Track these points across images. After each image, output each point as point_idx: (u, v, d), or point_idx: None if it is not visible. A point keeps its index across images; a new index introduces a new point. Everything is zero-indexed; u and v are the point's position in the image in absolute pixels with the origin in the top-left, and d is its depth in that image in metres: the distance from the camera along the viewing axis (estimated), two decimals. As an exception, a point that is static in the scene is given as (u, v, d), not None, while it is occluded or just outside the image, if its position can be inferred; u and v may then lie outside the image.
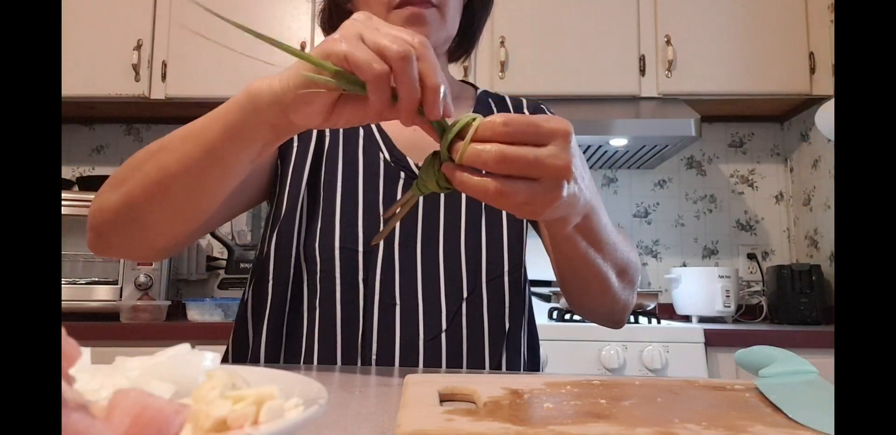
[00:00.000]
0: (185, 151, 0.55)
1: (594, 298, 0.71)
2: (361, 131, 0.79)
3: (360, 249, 0.73)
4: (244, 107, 0.51)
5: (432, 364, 0.72)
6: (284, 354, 0.74)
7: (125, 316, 1.74)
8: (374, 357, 0.71)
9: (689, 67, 1.98)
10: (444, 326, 0.73)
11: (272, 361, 0.74)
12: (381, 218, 0.75)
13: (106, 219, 0.62)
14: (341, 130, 0.78)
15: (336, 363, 0.71)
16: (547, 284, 1.98)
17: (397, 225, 0.75)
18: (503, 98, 0.89)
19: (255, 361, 0.74)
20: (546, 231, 0.60)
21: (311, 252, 0.74)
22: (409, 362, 0.71)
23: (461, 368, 0.72)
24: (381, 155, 0.78)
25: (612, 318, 0.75)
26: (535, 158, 0.44)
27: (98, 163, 2.36)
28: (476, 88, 0.90)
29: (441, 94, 0.45)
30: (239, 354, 0.76)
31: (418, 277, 0.74)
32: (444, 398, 0.43)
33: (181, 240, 0.66)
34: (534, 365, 0.83)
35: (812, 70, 1.97)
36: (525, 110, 0.88)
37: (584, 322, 1.78)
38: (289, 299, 0.74)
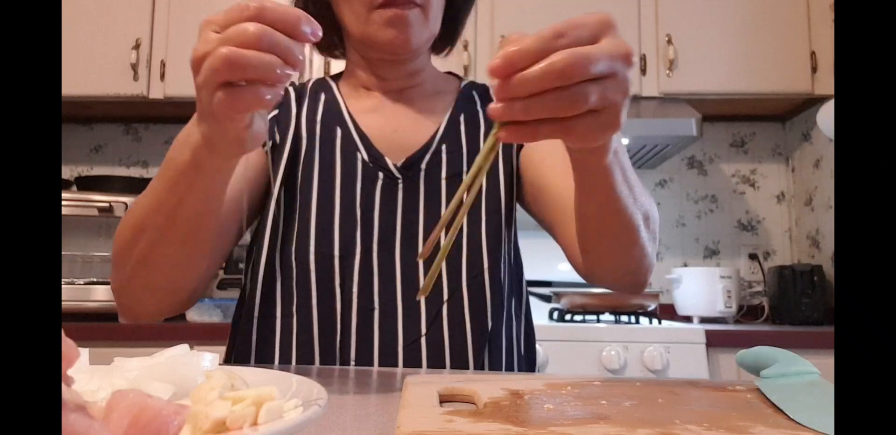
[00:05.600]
0: (162, 224, 0.59)
1: (622, 252, 0.63)
2: (339, 132, 0.78)
3: (337, 253, 0.72)
4: (198, 166, 0.53)
5: (411, 368, 0.71)
6: (265, 360, 0.73)
7: (123, 316, 1.74)
8: (352, 363, 0.70)
9: (691, 67, 1.98)
10: (423, 330, 0.71)
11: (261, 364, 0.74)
12: (358, 221, 0.74)
13: (124, 293, 0.68)
14: (318, 134, 0.77)
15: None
16: (547, 284, 1.98)
17: (375, 227, 0.74)
18: (487, 89, 0.86)
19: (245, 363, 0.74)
20: (581, 171, 0.54)
21: (287, 259, 0.73)
22: (386, 367, 0.70)
23: (444, 369, 0.71)
24: (359, 155, 0.76)
25: (637, 278, 0.67)
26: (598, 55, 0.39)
27: (96, 163, 2.36)
28: (461, 80, 0.88)
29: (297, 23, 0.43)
30: (234, 359, 0.77)
31: (397, 281, 0.73)
32: (444, 399, 0.43)
33: (194, 290, 0.70)
34: (530, 364, 0.82)
35: (814, 69, 1.97)
36: None
37: (584, 322, 1.77)
38: (270, 307, 0.74)
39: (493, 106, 0.40)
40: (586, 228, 0.62)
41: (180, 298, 0.69)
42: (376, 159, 0.76)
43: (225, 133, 0.48)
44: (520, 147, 0.81)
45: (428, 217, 0.75)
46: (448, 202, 0.76)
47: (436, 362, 0.71)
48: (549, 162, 0.77)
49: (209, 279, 0.72)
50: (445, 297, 0.73)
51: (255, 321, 0.74)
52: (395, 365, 0.71)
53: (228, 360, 0.79)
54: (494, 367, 0.74)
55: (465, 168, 0.77)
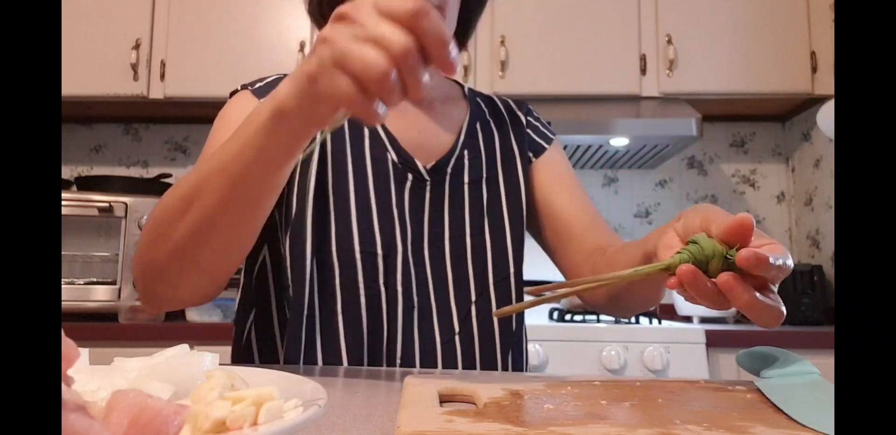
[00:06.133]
0: (224, 190, 0.54)
1: (644, 308, 0.75)
2: (367, 131, 0.77)
3: (380, 252, 0.72)
4: (273, 128, 0.49)
5: (449, 366, 0.72)
6: (309, 362, 0.71)
7: (124, 316, 1.74)
8: (398, 362, 0.71)
9: (691, 67, 1.98)
10: (457, 329, 0.73)
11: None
12: (396, 221, 0.74)
13: (157, 275, 0.61)
14: (347, 131, 0.77)
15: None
16: (547, 284, 1.98)
17: (408, 227, 0.74)
18: (491, 98, 0.89)
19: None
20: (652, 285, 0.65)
21: (328, 257, 0.71)
22: (427, 365, 0.72)
23: (475, 369, 0.73)
24: (389, 156, 0.76)
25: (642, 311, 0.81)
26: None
27: (96, 163, 2.36)
28: (462, 86, 0.89)
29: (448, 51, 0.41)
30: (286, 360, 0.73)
31: (429, 280, 0.74)
32: (444, 399, 0.43)
33: (230, 274, 0.64)
34: (526, 364, 0.84)
35: (814, 69, 1.97)
36: (518, 112, 0.88)
37: (584, 322, 1.77)
38: (311, 307, 0.71)
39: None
40: (628, 296, 0.72)
41: (216, 283, 0.64)
42: (406, 161, 0.77)
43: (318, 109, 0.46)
44: (528, 161, 0.84)
45: (453, 220, 0.77)
46: (470, 207, 0.78)
47: (468, 362, 0.73)
48: (557, 184, 0.82)
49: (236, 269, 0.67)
50: (474, 297, 0.75)
51: (304, 322, 0.70)
52: (434, 364, 0.72)
53: (237, 361, 0.77)
54: (517, 367, 0.77)
55: (484, 174, 0.80)
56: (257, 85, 0.79)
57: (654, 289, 0.66)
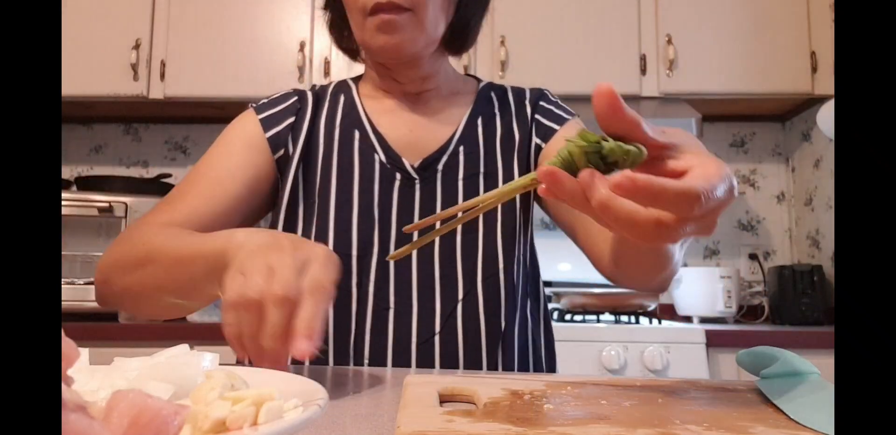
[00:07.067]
0: (174, 276, 0.61)
1: (654, 273, 0.65)
2: (357, 134, 0.78)
3: (354, 253, 0.73)
4: (214, 266, 0.54)
5: (424, 367, 0.71)
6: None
7: (124, 316, 1.74)
8: (366, 362, 0.71)
9: (691, 67, 1.98)
10: (437, 329, 0.72)
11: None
12: (376, 221, 0.75)
13: (113, 299, 0.70)
14: (337, 137, 0.79)
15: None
16: (547, 284, 1.98)
17: (393, 227, 0.75)
18: (505, 90, 0.86)
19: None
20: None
21: None
22: (400, 365, 0.71)
23: (457, 369, 0.72)
24: (377, 156, 0.77)
25: (663, 285, 0.69)
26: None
27: (96, 163, 2.36)
28: (479, 81, 0.87)
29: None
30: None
31: (413, 281, 0.74)
32: (444, 399, 0.43)
33: (185, 314, 0.76)
34: (550, 363, 0.83)
35: (814, 69, 1.97)
36: (527, 102, 0.84)
37: (584, 322, 1.77)
38: None
39: (588, 179, 0.36)
40: (623, 256, 0.65)
41: (172, 315, 0.74)
42: (394, 160, 0.77)
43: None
44: (538, 148, 0.80)
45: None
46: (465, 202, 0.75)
47: (448, 362, 0.72)
48: None
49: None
50: (460, 296, 0.74)
51: None
52: (408, 364, 0.71)
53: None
54: (508, 367, 0.75)
55: (482, 169, 0.78)
56: (262, 101, 0.82)
57: (647, 249, 0.58)
